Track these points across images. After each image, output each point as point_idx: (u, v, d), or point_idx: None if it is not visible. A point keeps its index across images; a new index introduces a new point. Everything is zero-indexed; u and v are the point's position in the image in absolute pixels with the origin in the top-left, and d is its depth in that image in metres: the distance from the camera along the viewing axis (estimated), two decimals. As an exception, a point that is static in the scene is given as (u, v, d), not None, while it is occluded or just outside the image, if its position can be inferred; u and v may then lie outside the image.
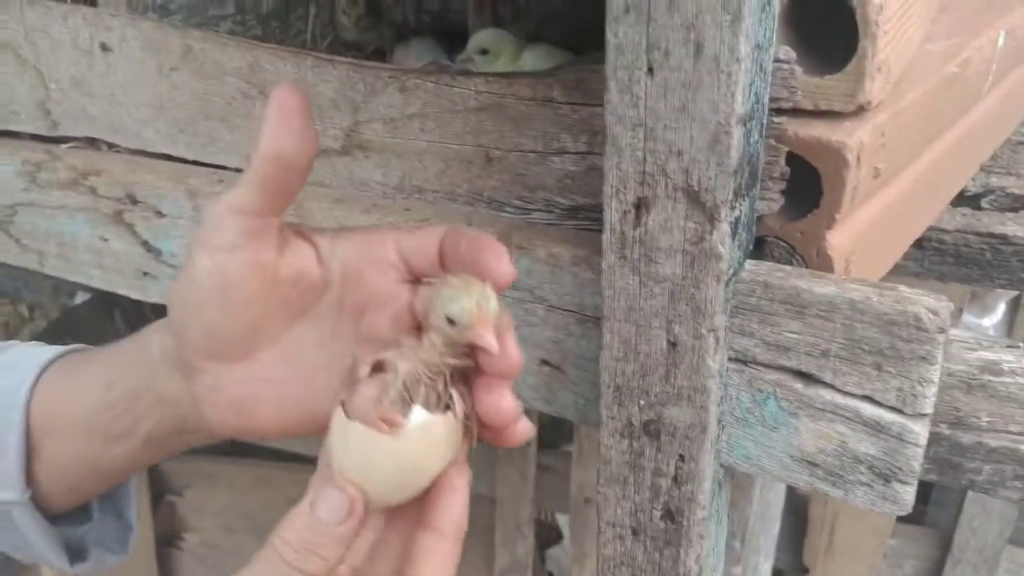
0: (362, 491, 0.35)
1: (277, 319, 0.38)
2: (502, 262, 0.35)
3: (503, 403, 0.36)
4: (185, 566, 1.85)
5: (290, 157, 0.35)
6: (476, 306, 0.34)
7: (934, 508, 1.48)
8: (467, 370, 0.37)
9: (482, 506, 1.60)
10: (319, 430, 0.38)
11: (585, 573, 1.61)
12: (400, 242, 0.38)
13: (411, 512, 0.37)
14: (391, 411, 0.34)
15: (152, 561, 1.80)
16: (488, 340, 0.34)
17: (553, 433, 1.68)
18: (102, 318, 1.70)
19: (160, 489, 1.82)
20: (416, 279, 0.39)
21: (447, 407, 0.35)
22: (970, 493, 1.24)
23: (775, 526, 0.94)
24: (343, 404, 0.36)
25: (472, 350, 0.36)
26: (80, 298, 1.81)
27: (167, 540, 1.84)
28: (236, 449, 1.82)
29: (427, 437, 0.35)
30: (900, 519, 1.30)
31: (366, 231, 0.39)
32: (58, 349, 0.46)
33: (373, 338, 0.39)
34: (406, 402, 0.35)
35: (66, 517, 0.47)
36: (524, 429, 0.37)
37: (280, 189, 0.36)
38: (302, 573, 0.33)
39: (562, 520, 1.91)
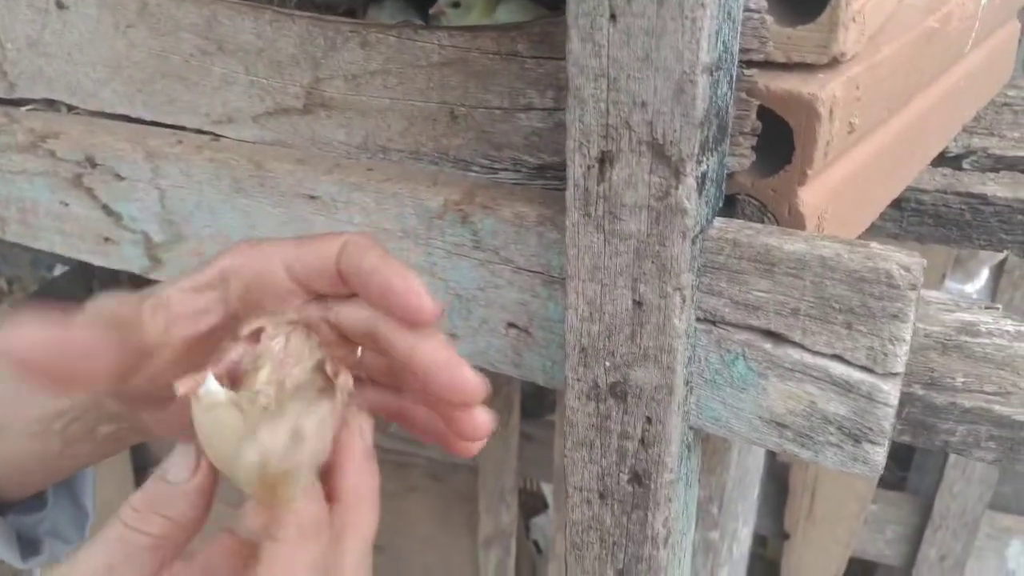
0: (230, 472, 0.30)
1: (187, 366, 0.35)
2: (422, 301, 0.31)
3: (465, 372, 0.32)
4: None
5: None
6: (261, 467, 0.28)
7: (915, 474, 1.49)
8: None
9: (465, 475, 1.60)
10: None
11: (569, 541, 1.61)
12: (290, 263, 0.34)
13: None
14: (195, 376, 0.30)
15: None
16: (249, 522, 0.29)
17: (536, 403, 1.68)
18: (81, 290, 1.68)
19: (142, 461, 1.81)
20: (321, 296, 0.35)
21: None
22: (951, 459, 1.24)
23: (754, 491, 0.94)
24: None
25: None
26: (59, 270, 1.78)
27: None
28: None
29: (234, 412, 0.30)
30: (881, 485, 1.31)
31: (251, 255, 0.35)
32: None
33: None
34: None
35: (19, 505, 0.46)
36: (484, 420, 0.34)
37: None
38: (142, 533, 0.30)
39: (546, 489, 1.92)
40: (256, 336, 0.32)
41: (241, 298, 0.34)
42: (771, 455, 1.16)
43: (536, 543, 1.91)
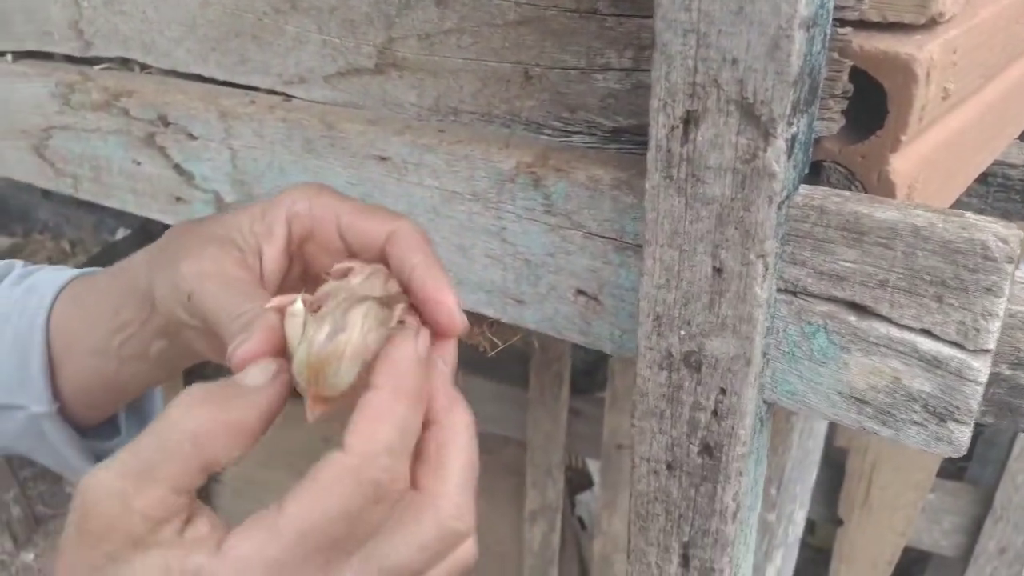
0: (318, 383, 0.31)
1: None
2: (454, 319, 0.33)
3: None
4: (224, 499, 1.90)
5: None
6: (309, 367, 0.30)
7: (976, 464, 1.45)
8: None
9: (513, 449, 1.60)
10: None
11: (615, 520, 1.61)
12: (343, 230, 0.37)
13: None
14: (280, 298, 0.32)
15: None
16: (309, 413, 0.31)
17: (586, 379, 1.67)
18: (142, 254, 1.72)
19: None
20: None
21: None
22: (1015, 450, 1.20)
23: (812, 474, 0.92)
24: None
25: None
26: (121, 234, 1.83)
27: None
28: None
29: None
30: (940, 474, 1.27)
31: (312, 204, 0.38)
32: (73, 272, 0.48)
33: None
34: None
35: (96, 433, 0.48)
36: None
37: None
38: (178, 430, 0.29)
39: (592, 466, 1.91)
40: (345, 274, 0.34)
41: (298, 237, 0.38)
42: (827, 440, 1.13)
43: (581, 519, 1.91)
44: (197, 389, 0.30)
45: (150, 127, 0.61)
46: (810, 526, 1.42)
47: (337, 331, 0.30)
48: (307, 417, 0.31)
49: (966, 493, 1.31)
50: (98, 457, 0.48)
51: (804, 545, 1.41)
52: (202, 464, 0.29)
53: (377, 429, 0.29)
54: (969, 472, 1.43)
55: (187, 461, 0.29)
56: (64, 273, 0.48)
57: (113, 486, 0.28)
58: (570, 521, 1.81)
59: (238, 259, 0.37)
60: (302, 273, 0.40)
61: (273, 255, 0.38)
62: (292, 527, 0.28)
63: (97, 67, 0.66)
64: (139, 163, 0.63)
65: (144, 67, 0.63)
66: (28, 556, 2.39)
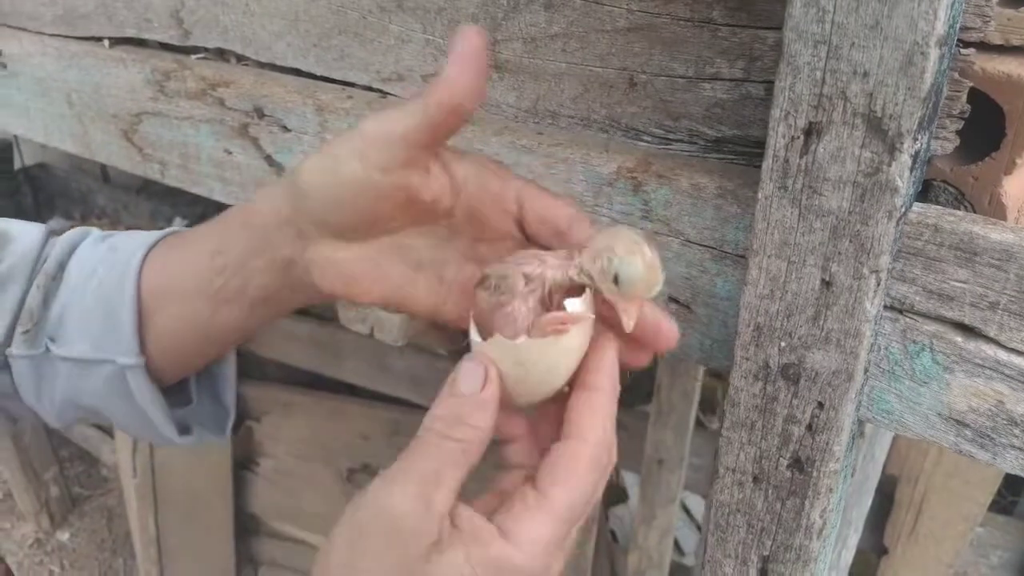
0: (534, 392, 0.37)
1: (401, 222, 0.40)
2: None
3: (663, 324, 0.38)
4: (259, 489, 1.92)
5: (465, 107, 0.36)
6: (645, 281, 0.34)
7: (1026, 501, 1.42)
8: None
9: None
10: (404, 312, 0.42)
11: (651, 534, 1.60)
12: (524, 197, 0.40)
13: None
14: (560, 315, 0.35)
15: (228, 481, 1.87)
16: (628, 320, 0.35)
17: (630, 392, 1.67)
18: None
19: (240, 413, 1.88)
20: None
21: (581, 289, 0.36)
22: (1071, 488, 1.18)
23: (869, 499, 0.91)
24: (497, 331, 0.36)
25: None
26: (177, 224, 1.86)
27: (243, 463, 1.90)
28: (313, 381, 1.86)
29: (588, 317, 0.36)
30: (991, 508, 1.25)
31: (497, 169, 0.41)
32: (163, 231, 0.49)
33: (480, 260, 0.41)
34: (545, 308, 0.37)
35: (170, 399, 0.49)
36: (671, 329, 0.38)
37: (447, 130, 0.37)
38: (452, 439, 0.35)
39: (628, 479, 1.90)
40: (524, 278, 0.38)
41: (469, 199, 0.40)
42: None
43: (613, 532, 1.90)
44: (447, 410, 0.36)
45: (244, 118, 0.62)
46: (858, 554, 1.40)
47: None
48: (627, 326, 0.36)
49: (1016, 528, 1.29)
50: (177, 422, 0.49)
51: (841, 573, 1.39)
52: (469, 468, 0.35)
53: (606, 426, 0.36)
54: (1019, 506, 1.40)
55: (462, 467, 0.35)
56: (148, 232, 0.49)
57: (415, 492, 0.33)
58: (604, 533, 1.80)
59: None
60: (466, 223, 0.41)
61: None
62: (563, 507, 0.34)
63: (194, 56, 0.67)
64: (230, 152, 0.65)
65: (240, 59, 0.65)
66: (64, 536, 2.43)
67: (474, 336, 0.37)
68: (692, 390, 1.40)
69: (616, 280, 0.35)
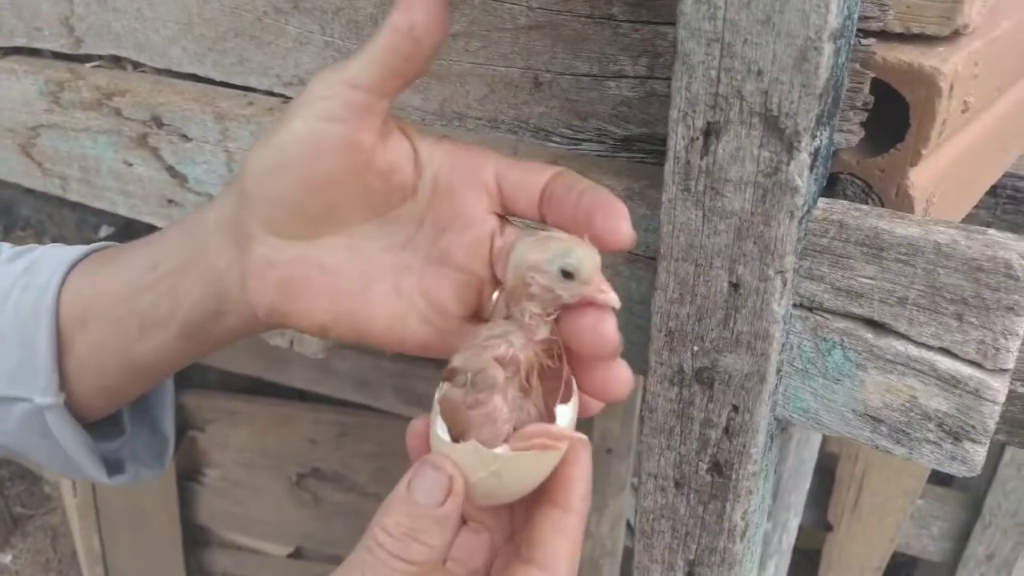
0: (502, 499, 0.33)
1: (353, 208, 0.36)
2: (625, 225, 0.33)
3: (622, 375, 0.34)
4: (207, 499, 1.87)
5: (421, 34, 0.32)
6: (590, 253, 0.32)
7: (963, 471, 1.45)
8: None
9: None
10: (357, 338, 0.36)
11: (604, 523, 1.60)
12: (502, 169, 0.36)
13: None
14: (549, 429, 0.32)
15: (173, 494, 1.82)
16: (610, 295, 0.32)
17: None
18: (126, 252, 1.69)
19: (183, 423, 1.83)
20: (505, 215, 0.37)
21: (568, 390, 0.33)
22: (1005, 456, 1.21)
23: (806, 483, 0.92)
24: (473, 434, 0.32)
25: (559, 330, 0.33)
26: (104, 232, 1.80)
27: (188, 474, 1.86)
28: (258, 388, 1.82)
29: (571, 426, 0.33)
30: (929, 480, 1.27)
31: (468, 147, 0.37)
32: (90, 246, 0.44)
33: (445, 261, 0.36)
34: (524, 394, 0.33)
35: (99, 432, 0.46)
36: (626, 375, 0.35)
37: (400, 68, 0.33)
38: (405, 562, 0.31)
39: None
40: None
41: (437, 175, 0.36)
42: (819, 447, 1.13)
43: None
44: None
45: (143, 127, 0.59)
46: (800, 531, 1.42)
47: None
48: (614, 302, 0.33)
49: (955, 499, 1.32)
50: (103, 459, 0.46)
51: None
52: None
53: (574, 556, 0.33)
54: (958, 478, 1.43)
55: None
56: (72, 248, 0.44)
57: None
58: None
59: None
60: (429, 205, 0.37)
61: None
62: None
63: (88, 65, 0.64)
64: (130, 164, 0.62)
65: (137, 66, 0.62)
66: (6, 558, 2.35)
67: (439, 432, 0.33)
68: (636, 380, 1.40)
69: (569, 275, 0.32)
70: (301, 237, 0.36)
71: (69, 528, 1.98)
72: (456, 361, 0.33)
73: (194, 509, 1.88)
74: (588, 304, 0.32)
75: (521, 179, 0.35)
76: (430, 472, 0.32)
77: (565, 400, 0.33)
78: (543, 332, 0.33)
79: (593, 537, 1.63)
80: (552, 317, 0.33)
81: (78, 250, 0.44)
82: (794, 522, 0.95)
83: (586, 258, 0.32)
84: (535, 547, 0.32)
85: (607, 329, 0.32)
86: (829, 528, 1.32)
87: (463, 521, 0.36)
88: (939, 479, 1.35)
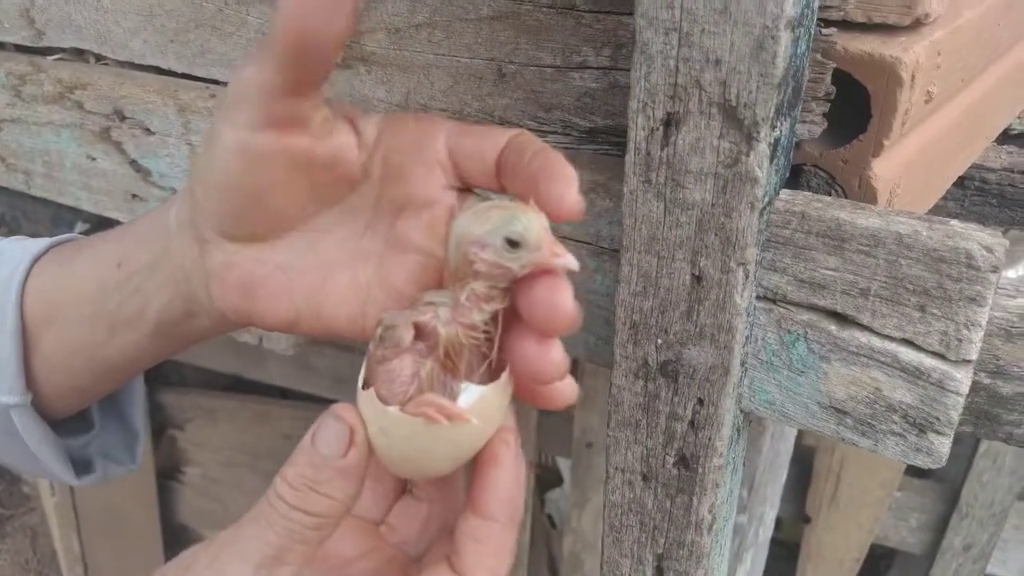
0: (408, 470, 0.32)
1: (303, 205, 0.35)
2: (570, 191, 0.30)
3: (552, 355, 0.31)
4: (186, 499, 1.86)
5: (315, 40, 0.28)
6: (537, 219, 0.29)
7: (941, 462, 1.46)
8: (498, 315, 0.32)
9: (484, 448, 1.58)
10: (324, 333, 0.36)
11: (584, 518, 1.60)
12: (454, 139, 0.34)
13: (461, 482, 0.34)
14: (442, 402, 0.30)
15: (153, 493, 1.81)
16: (568, 258, 0.30)
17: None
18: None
19: (161, 422, 1.81)
20: (463, 187, 0.35)
21: (497, 370, 0.31)
22: (981, 448, 1.22)
23: (782, 475, 0.92)
24: (375, 387, 0.31)
25: (513, 302, 0.31)
26: (79, 228, 1.78)
27: (168, 473, 1.84)
28: (237, 385, 1.81)
29: (483, 411, 0.31)
30: (907, 472, 1.28)
31: (418, 119, 0.35)
32: (53, 238, 0.43)
33: (404, 245, 0.35)
34: (451, 372, 0.31)
35: (66, 427, 0.44)
36: (569, 389, 0.33)
37: (303, 73, 0.30)
38: (305, 513, 0.30)
39: (562, 464, 1.91)
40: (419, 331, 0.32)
41: (386, 155, 0.34)
42: (796, 439, 1.14)
43: (550, 517, 1.90)
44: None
45: (105, 121, 0.58)
46: (777, 522, 1.43)
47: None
48: (572, 264, 0.31)
49: (932, 491, 1.33)
50: (71, 457, 0.45)
51: (771, 540, 1.42)
52: (321, 542, 0.31)
53: (497, 565, 0.31)
54: (935, 470, 1.44)
55: (311, 543, 0.30)
56: (35, 241, 0.43)
57: (251, 574, 0.29)
58: (540, 520, 1.80)
59: None
60: (380, 192, 0.35)
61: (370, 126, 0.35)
62: None
63: (50, 58, 0.63)
64: (94, 159, 0.61)
65: (99, 58, 0.61)
66: (-16, 558, 2.33)
67: (360, 383, 0.32)
68: (604, 373, 1.40)
69: (515, 244, 0.29)
70: (257, 240, 0.35)
71: (48, 528, 1.96)
72: (383, 315, 0.32)
73: (174, 508, 1.87)
74: (541, 273, 0.30)
75: (475, 147, 0.33)
76: (332, 422, 0.31)
77: (484, 383, 0.31)
78: (475, 317, 0.31)
79: (575, 532, 1.63)
80: (500, 302, 0.31)
81: (40, 243, 0.42)
82: (771, 515, 0.95)
83: (532, 223, 0.29)
84: (453, 552, 0.31)
85: (563, 299, 0.30)
86: (808, 520, 1.33)
87: (404, 488, 0.36)
88: (916, 471, 1.36)
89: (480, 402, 0.30)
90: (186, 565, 0.30)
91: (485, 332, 0.31)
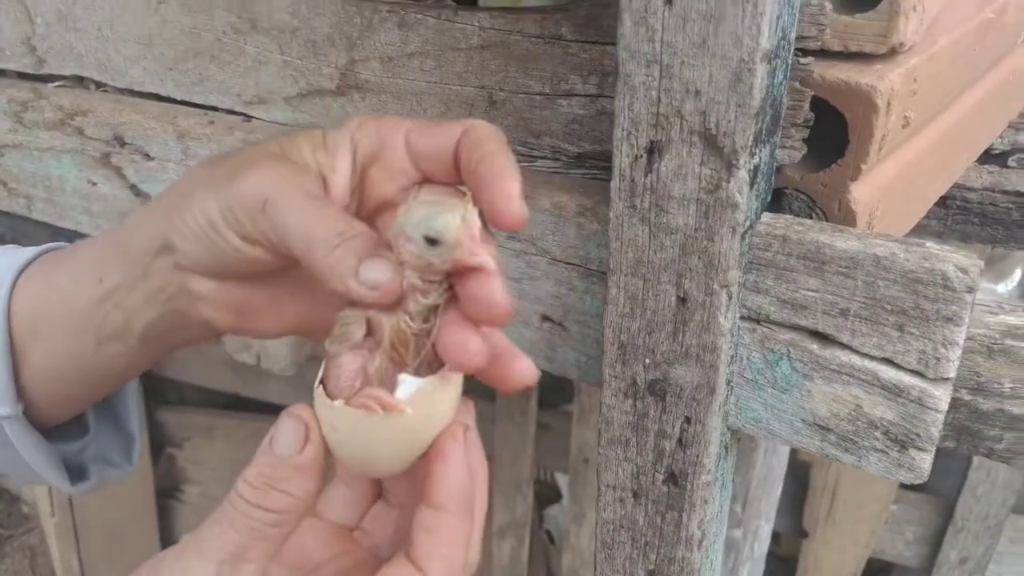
0: (361, 465, 0.32)
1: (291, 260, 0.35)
2: (511, 204, 0.30)
3: (470, 343, 0.31)
4: (185, 517, 1.86)
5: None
6: (462, 220, 0.29)
7: (937, 475, 1.47)
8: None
9: (482, 464, 1.59)
10: (320, 333, 0.35)
11: (583, 533, 1.61)
12: (412, 140, 0.34)
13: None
14: (380, 394, 0.30)
15: (152, 512, 1.81)
16: (482, 257, 0.29)
17: (554, 392, 1.67)
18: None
19: (160, 441, 1.82)
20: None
21: (440, 364, 0.31)
22: (975, 462, 1.22)
23: (777, 490, 0.93)
24: (323, 383, 0.31)
25: (453, 290, 0.31)
26: (79, 248, 1.79)
27: (167, 492, 1.84)
28: (235, 403, 1.81)
29: (423, 404, 0.31)
30: (903, 486, 1.29)
31: (379, 125, 0.35)
32: (37, 248, 0.43)
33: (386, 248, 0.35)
34: (396, 364, 0.32)
35: (61, 432, 0.45)
36: (527, 372, 0.33)
37: None
38: (264, 510, 0.30)
39: (561, 480, 1.91)
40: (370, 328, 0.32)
41: (360, 171, 0.34)
42: (792, 454, 1.14)
43: (549, 533, 1.90)
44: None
45: (105, 147, 0.60)
46: (775, 537, 1.43)
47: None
48: (488, 264, 0.30)
49: (928, 504, 1.33)
50: (66, 463, 0.45)
51: (770, 555, 1.42)
52: (282, 539, 0.31)
53: (453, 555, 0.31)
54: (930, 483, 1.45)
55: (272, 541, 0.31)
56: (19, 253, 0.43)
57: (213, 571, 0.30)
58: (539, 535, 1.80)
59: (312, 179, 0.34)
60: (358, 208, 0.36)
61: (339, 187, 0.34)
62: None
63: (51, 85, 0.64)
64: (94, 183, 0.62)
65: (100, 85, 0.62)
66: (-18, 578, 2.32)
67: (316, 382, 0.32)
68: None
69: (435, 241, 0.29)
70: (243, 280, 0.36)
71: (47, 548, 1.96)
72: (340, 313, 0.32)
73: (173, 526, 1.87)
74: (468, 269, 0.30)
75: (432, 147, 0.33)
76: (287, 421, 0.31)
77: (423, 375, 0.31)
78: (412, 306, 0.31)
79: (573, 548, 1.63)
80: (438, 296, 0.31)
81: (26, 253, 0.42)
82: (766, 529, 0.96)
83: (450, 223, 0.29)
84: (409, 543, 0.31)
85: (491, 293, 0.30)
86: (805, 535, 1.33)
87: (378, 494, 0.36)
88: (912, 485, 1.36)
89: (419, 394, 0.31)
90: (153, 564, 0.31)
91: (426, 323, 0.31)
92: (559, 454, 1.57)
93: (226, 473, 1.81)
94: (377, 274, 0.30)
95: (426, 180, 0.34)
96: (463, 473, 0.31)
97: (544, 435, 1.58)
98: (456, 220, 0.29)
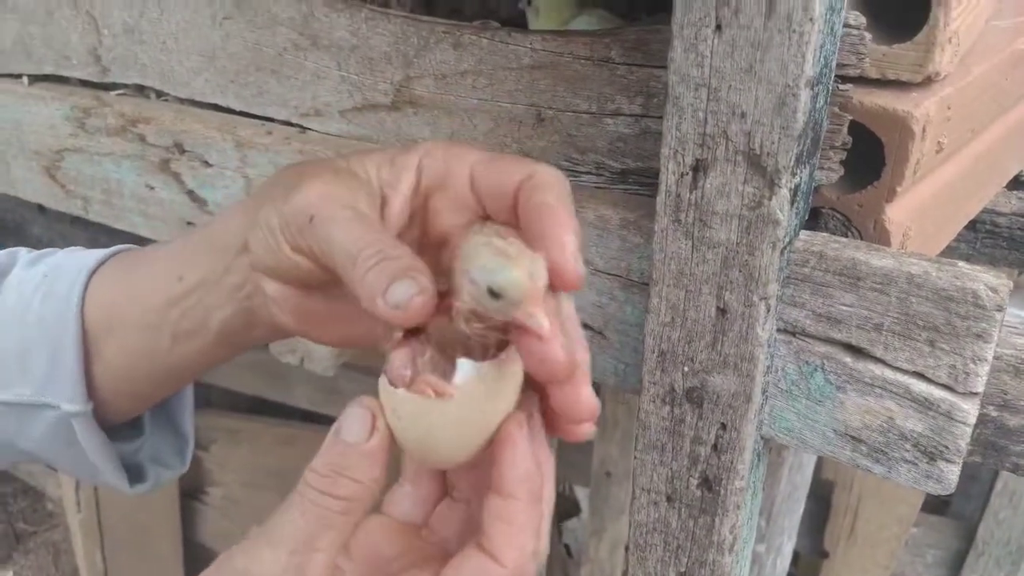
0: (425, 453, 0.33)
1: None
2: (568, 263, 0.30)
3: (583, 397, 0.31)
4: (208, 519, 1.88)
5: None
6: (528, 277, 0.28)
7: (959, 499, 1.47)
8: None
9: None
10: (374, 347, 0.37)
11: (602, 547, 1.61)
12: (478, 175, 0.34)
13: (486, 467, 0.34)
14: (430, 378, 0.31)
15: (176, 513, 1.83)
16: (540, 319, 0.29)
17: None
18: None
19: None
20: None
21: (496, 351, 0.32)
22: (997, 485, 1.22)
23: (800, 507, 0.94)
24: (385, 371, 0.33)
25: (509, 333, 0.30)
26: (115, 251, 1.83)
27: (191, 493, 1.87)
28: (261, 407, 1.84)
29: (480, 390, 0.31)
30: (924, 509, 1.29)
31: (447, 154, 0.35)
32: (110, 249, 0.45)
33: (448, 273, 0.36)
34: (449, 356, 0.32)
35: (118, 433, 0.46)
36: (590, 427, 0.33)
37: None
38: (333, 497, 0.31)
39: (580, 493, 1.92)
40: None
41: (424, 197, 0.35)
42: (815, 474, 1.15)
43: (567, 547, 1.91)
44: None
45: (165, 153, 0.62)
46: (794, 557, 1.43)
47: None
48: (542, 327, 0.30)
49: (949, 528, 1.33)
50: (124, 463, 0.46)
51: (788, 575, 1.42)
52: (353, 527, 0.32)
53: (525, 542, 0.30)
54: (952, 507, 1.45)
55: (343, 529, 0.31)
56: (89, 253, 0.44)
57: (286, 560, 0.30)
58: (557, 549, 1.81)
59: (367, 196, 0.34)
60: (419, 236, 0.36)
61: (397, 206, 0.35)
62: None
63: (113, 93, 0.67)
64: (152, 188, 0.65)
65: (160, 94, 0.65)
66: (7, 573, 2.36)
67: (382, 375, 0.34)
68: (635, 405, 1.42)
69: (496, 295, 0.29)
70: (309, 288, 0.37)
71: (71, 545, 1.99)
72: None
73: (196, 528, 1.89)
74: (525, 328, 0.29)
75: (496, 184, 0.33)
76: (355, 409, 0.32)
77: (485, 358, 0.31)
78: (464, 328, 0.31)
79: (592, 561, 1.64)
80: (494, 333, 0.31)
81: (97, 254, 0.44)
82: (788, 546, 0.97)
83: (517, 281, 0.28)
84: (482, 534, 0.31)
85: (545, 352, 0.30)
86: (825, 555, 1.33)
87: (444, 492, 0.37)
88: (933, 507, 1.36)
89: (476, 379, 0.31)
90: (227, 556, 0.32)
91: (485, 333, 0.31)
92: (580, 467, 1.58)
93: (250, 477, 1.84)
94: (402, 296, 0.30)
95: (488, 217, 0.34)
96: (529, 459, 0.31)
97: (565, 448, 1.59)
98: (523, 278, 0.28)
